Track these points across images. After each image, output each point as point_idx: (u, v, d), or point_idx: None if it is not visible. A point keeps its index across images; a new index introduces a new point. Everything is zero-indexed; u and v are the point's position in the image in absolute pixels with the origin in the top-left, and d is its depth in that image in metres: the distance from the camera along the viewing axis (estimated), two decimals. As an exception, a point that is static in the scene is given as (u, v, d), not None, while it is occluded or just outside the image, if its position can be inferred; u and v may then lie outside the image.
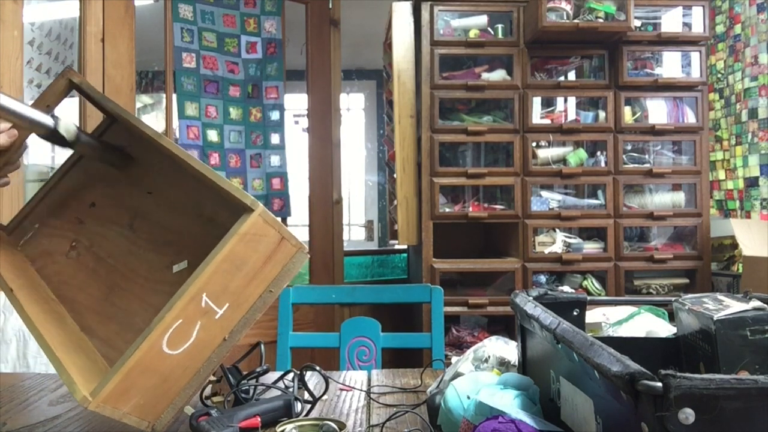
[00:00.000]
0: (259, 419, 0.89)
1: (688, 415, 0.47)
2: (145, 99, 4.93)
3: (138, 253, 1.00)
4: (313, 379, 1.21)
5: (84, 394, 0.75)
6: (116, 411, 0.77)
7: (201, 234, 0.97)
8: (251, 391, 0.99)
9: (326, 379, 1.07)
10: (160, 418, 0.81)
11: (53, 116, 0.97)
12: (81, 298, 1.01)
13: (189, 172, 0.89)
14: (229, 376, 1.02)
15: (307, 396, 1.03)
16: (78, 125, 0.98)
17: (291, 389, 1.00)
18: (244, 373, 1.04)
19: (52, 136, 0.97)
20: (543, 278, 2.51)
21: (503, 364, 0.95)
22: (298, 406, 0.96)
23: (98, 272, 1.02)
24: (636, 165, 2.54)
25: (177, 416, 0.85)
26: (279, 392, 0.99)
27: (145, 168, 1.07)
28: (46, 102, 1.05)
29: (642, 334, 0.98)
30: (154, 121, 5.04)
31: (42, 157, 3.01)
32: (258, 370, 1.03)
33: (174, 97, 2.62)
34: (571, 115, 2.57)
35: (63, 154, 1.11)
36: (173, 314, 0.78)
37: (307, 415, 0.98)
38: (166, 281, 0.96)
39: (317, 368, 1.06)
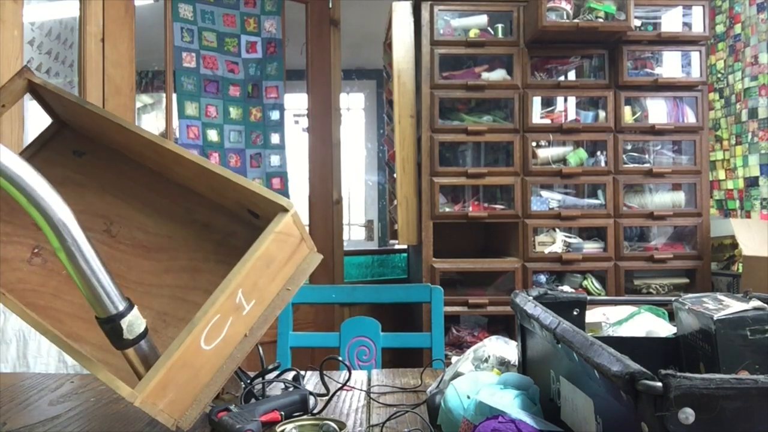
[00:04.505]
0: (278, 413, 0.90)
1: (688, 415, 0.47)
2: (145, 99, 4.92)
3: (123, 259, 0.98)
4: (313, 379, 1.21)
5: (131, 390, 0.72)
6: (154, 407, 0.75)
7: (196, 239, 0.96)
8: (262, 388, 1.01)
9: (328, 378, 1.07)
10: (185, 415, 0.80)
11: (129, 301, 0.75)
12: (58, 305, 0.96)
13: (175, 181, 0.87)
14: (239, 374, 1.03)
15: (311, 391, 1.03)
16: (147, 328, 0.77)
17: (304, 384, 1.01)
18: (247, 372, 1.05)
19: (105, 324, 0.74)
20: (543, 278, 2.51)
21: (503, 364, 0.95)
22: (312, 400, 0.98)
23: None
24: (636, 165, 2.54)
25: (201, 414, 0.84)
26: (285, 388, 1.01)
27: (115, 174, 1.01)
28: (1, 102, 0.94)
29: (642, 334, 0.98)
30: (154, 120, 5.04)
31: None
32: (269, 367, 1.05)
33: (174, 96, 2.62)
34: (571, 115, 2.57)
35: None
36: (215, 309, 0.77)
37: (323, 408, 0.99)
38: (165, 285, 0.95)
39: (340, 358, 1.07)
